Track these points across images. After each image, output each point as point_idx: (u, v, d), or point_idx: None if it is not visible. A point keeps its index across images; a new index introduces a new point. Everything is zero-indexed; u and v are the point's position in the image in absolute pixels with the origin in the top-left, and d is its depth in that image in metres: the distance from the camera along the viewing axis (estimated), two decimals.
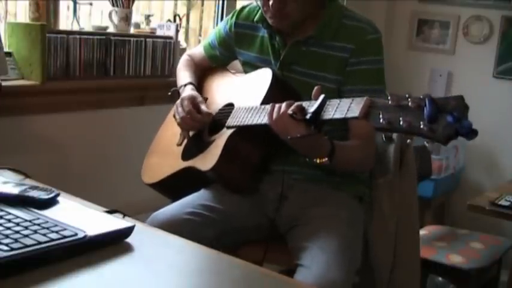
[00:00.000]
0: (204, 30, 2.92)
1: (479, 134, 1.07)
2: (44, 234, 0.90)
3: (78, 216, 1.02)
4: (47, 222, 0.95)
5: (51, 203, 1.06)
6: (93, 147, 2.23)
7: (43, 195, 1.06)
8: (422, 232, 2.58)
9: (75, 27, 2.23)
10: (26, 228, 0.92)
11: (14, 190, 1.07)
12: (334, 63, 1.61)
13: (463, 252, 2.40)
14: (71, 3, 2.25)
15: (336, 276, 1.40)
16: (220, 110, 1.75)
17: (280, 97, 1.49)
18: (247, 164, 1.62)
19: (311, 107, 1.35)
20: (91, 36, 2.13)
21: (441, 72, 3.43)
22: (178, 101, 1.76)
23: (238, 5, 2.75)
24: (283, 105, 1.42)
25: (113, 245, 0.96)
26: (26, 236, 0.89)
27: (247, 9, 1.80)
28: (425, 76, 3.49)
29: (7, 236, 0.87)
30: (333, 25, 1.62)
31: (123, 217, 1.10)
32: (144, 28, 2.48)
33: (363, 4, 3.14)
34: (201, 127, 1.73)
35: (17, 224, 0.93)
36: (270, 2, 1.57)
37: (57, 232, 0.91)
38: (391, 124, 1.11)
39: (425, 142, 1.11)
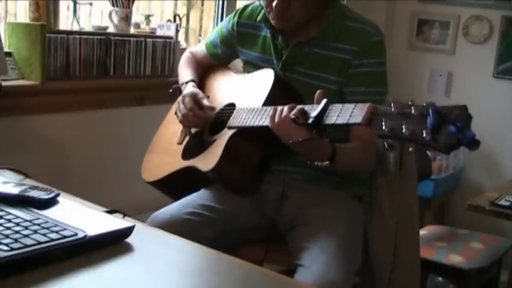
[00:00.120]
0: (204, 30, 2.92)
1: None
2: (44, 234, 0.90)
3: (78, 216, 1.02)
4: (47, 222, 0.95)
5: (51, 203, 1.06)
6: (93, 147, 2.23)
7: (43, 195, 1.06)
8: (422, 232, 2.58)
9: (75, 27, 2.23)
10: (26, 228, 0.92)
11: (14, 190, 1.07)
12: (337, 65, 1.60)
13: (463, 252, 2.40)
14: (71, 3, 2.25)
15: (336, 277, 1.41)
16: (221, 109, 1.75)
17: (282, 98, 1.49)
18: (248, 164, 1.62)
19: (313, 111, 1.34)
20: (91, 36, 2.13)
21: (441, 72, 3.43)
22: (180, 98, 1.75)
23: (238, 5, 2.75)
24: (285, 108, 1.41)
25: (113, 245, 0.96)
26: (26, 236, 0.89)
27: (250, 8, 1.79)
28: (425, 76, 3.49)
29: (7, 236, 0.87)
30: (336, 27, 1.61)
31: (123, 217, 1.10)
32: (144, 28, 2.48)
33: (363, 4, 3.14)
34: (203, 124, 1.72)
35: (17, 224, 0.93)
36: (274, 3, 1.56)
37: (57, 232, 0.91)
38: (394, 132, 1.10)
39: (427, 151, 1.10)
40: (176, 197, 1.76)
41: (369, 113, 1.18)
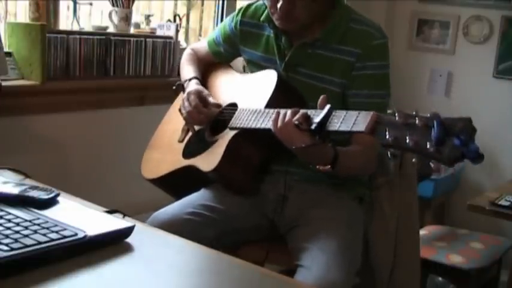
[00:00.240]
0: (204, 30, 2.92)
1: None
2: (44, 234, 0.90)
3: (78, 216, 1.02)
4: (47, 222, 0.95)
5: (51, 203, 1.06)
6: (93, 147, 2.23)
7: (43, 195, 1.06)
8: (422, 232, 2.57)
9: (75, 27, 2.23)
10: (26, 228, 0.92)
11: (14, 190, 1.07)
12: (340, 67, 1.59)
13: (463, 252, 2.40)
14: (71, 3, 2.25)
15: (336, 277, 1.40)
16: (223, 109, 1.74)
17: (284, 100, 1.48)
18: (249, 165, 1.62)
19: (316, 116, 1.33)
20: (91, 36, 2.13)
21: (441, 72, 3.43)
22: (185, 96, 1.75)
23: (238, 5, 2.75)
24: (288, 113, 1.40)
25: (113, 245, 0.96)
26: (26, 236, 0.89)
27: (253, 7, 1.78)
28: (425, 76, 3.48)
29: (7, 236, 0.87)
30: (340, 29, 1.60)
31: (123, 217, 1.10)
32: (144, 28, 2.48)
33: (363, 4, 3.13)
34: (208, 121, 1.72)
35: (17, 224, 0.93)
36: (278, 5, 1.55)
37: (57, 232, 0.91)
38: (397, 142, 1.10)
39: (430, 162, 1.09)
40: (176, 194, 1.76)
41: (372, 121, 1.18)
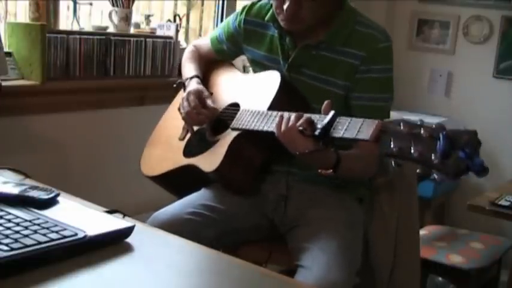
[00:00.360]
0: (204, 30, 2.92)
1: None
2: (44, 234, 0.90)
3: (78, 216, 1.02)
4: (47, 222, 0.95)
5: (51, 203, 1.06)
6: (93, 147, 2.23)
7: (43, 195, 1.06)
8: (422, 232, 2.57)
9: (75, 27, 2.23)
10: (26, 228, 0.92)
11: (14, 190, 1.07)
12: (344, 69, 1.58)
13: (463, 252, 2.40)
14: (71, 3, 2.25)
15: (337, 277, 1.40)
16: (224, 109, 1.73)
17: (287, 102, 1.48)
18: (250, 166, 1.61)
19: (320, 122, 1.32)
20: (91, 36, 2.13)
21: (441, 72, 3.43)
22: (184, 95, 1.74)
23: (239, 5, 2.75)
24: (292, 118, 1.39)
25: (113, 245, 0.96)
26: (26, 236, 0.89)
27: (257, 5, 1.76)
28: (425, 76, 3.48)
29: (7, 236, 0.87)
30: (345, 31, 1.59)
31: (123, 217, 1.10)
32: (144, 28, 2.48)
33: (363, 4, 3.13)
34: (206, 122, 1.72)
35: (17, 224, 0.93)
36: (285, 6, 1.54)
37: (57, 232, 0.91)
38: (402, 152, 1.09)
39: (434, 174, 1.09)
40: (175, 192, 1.76)
41: (377, 130, 1.17)
